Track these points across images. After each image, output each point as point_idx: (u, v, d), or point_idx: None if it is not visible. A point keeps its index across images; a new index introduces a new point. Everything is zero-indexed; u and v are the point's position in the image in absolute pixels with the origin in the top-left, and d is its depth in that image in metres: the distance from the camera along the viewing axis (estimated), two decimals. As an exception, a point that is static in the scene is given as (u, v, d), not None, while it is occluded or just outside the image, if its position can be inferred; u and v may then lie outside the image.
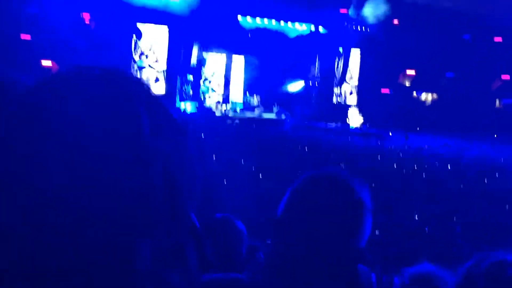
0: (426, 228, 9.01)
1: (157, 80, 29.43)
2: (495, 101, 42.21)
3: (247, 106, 33.79)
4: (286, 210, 1.55)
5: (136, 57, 28.80)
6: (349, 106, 34.86)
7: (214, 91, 33.06)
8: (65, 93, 0.73)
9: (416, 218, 9.72)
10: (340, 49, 36.34)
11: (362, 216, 1.52)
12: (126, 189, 0.71)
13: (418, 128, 31.24)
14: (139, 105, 0.74)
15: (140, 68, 28.72)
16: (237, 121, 29.29)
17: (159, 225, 0.75)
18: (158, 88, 29.32)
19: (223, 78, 33.84)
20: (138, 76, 0.80)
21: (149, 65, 29.20)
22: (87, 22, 26.82)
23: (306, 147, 19.36)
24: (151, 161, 0.73)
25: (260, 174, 12.62)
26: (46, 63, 25.87)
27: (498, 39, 39.27)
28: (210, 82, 33.25)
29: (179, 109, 29.63)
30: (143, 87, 0.78)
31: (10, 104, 0.73)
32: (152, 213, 0.74)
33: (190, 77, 31.25)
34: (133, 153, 0.72)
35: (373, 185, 12.80)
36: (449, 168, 17.03)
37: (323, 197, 1.50)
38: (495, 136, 31.71)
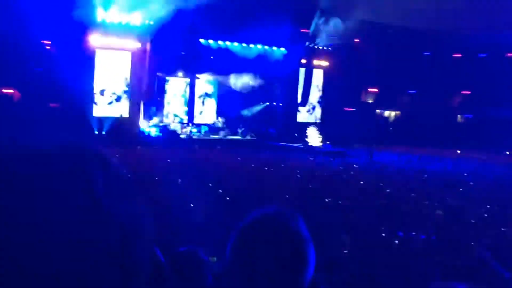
0: (394, 247, 9.06)
1: (118, 101, 29.25)
2: (456, 116, 43.02)
3: (212, 128, 33.83)
4: (231, 257, 1.60)
5: (98, 82, 28.55)
6: (312, 124, 35.07)
7: (177, 115, 33.06)
8: (22, 171, 0.75)
9: (383, 235, 9.76)
10: (302, 69, 36.60)
11: (303, 250, 1.56)
12: (85, 248, 0.74)
13: (381, 145, 31.57)
14: (95, 175, 0.79)
15: (102, 92, 28.54)
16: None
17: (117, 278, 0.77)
18: (123, 112, 29.13)
19: (187, 101, 33.85)
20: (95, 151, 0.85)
21: (113, 91, 28.98)
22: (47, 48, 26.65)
23: (272, 168, 19.38)
24: (108, 221, 0.77)
25: (227, 197, 12.56)
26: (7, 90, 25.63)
27: (457, 55, 40.15)
28: (173, 105, 33.23)
29: (143, 132, 29.54)
30: (99, 158, 0.82)
31: None
32: (111, 269, 0.76)
33: (154, 102, 31.22)
34: (91, 215, 0.75)
35: (340, 202, 12.90)
36: (414, 183, 17.21)
37: (262, 243, 1.55)
38: (458, 151, 32.26)
